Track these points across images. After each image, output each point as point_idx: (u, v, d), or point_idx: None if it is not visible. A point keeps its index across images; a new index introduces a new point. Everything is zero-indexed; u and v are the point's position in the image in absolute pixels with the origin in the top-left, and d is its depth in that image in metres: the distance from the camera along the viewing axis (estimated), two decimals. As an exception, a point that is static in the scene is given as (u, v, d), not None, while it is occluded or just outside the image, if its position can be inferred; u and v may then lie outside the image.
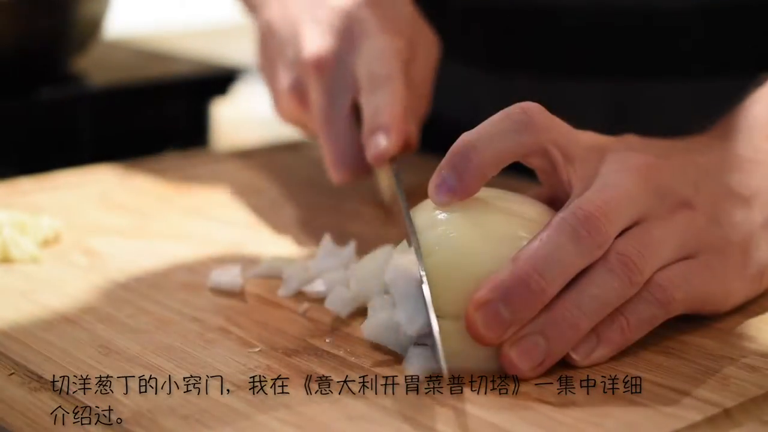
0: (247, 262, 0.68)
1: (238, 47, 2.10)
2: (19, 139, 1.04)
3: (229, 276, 0.64)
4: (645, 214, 0.56)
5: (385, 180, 0.71)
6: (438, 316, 0.52)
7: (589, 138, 0.59)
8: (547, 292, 0.52)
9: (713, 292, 0.57)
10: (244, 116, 2.17)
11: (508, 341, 0.53)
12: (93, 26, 1.10)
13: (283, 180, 0.87)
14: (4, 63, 1.03)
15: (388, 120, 0.69)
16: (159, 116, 1.15)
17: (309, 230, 0.75)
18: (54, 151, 1.06)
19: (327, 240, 0.66)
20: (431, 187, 0.55)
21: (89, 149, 1.07)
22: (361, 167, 0.73)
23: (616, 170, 0.56)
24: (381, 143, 0.69)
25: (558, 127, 0.57)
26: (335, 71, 0.73)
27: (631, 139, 0.60)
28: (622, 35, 0.85)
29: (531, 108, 0.56)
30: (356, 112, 0.74)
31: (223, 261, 0.69)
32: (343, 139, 0.73)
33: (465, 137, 0.55)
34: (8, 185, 0.85)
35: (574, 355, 0.54)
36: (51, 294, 0.64)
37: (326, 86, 0.73)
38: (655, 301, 0.55)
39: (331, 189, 0.85)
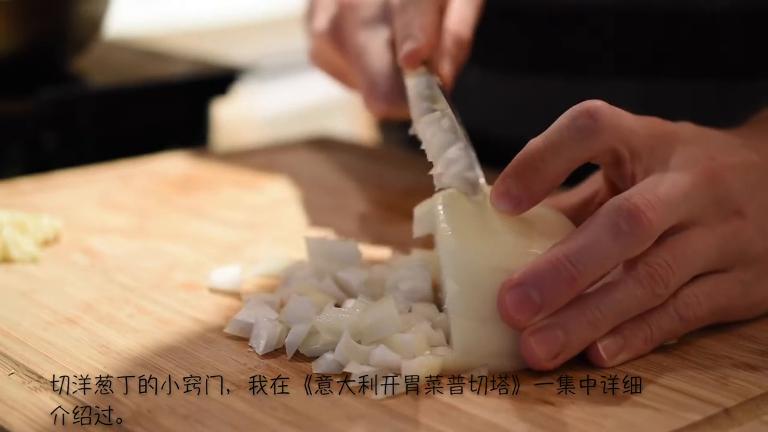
0: (247, 262, 0.68)
1: (238, 47, 2.10)
2: (19, 139, 1.04)
3: (229, 276, 0.64)
4: (695, 218, 0.55)
5: (413, 92, 0.70)
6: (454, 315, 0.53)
7: (652, 125, 0.58)
8: (577, 281, 0.52)
9: (740, 306, 0.57)
10: (244, 116, 2.17)
11: (528, 329, 0.53)
12: (93, 26, 1.10)
13: (283, 180, 0.87)
14: (4, 63, 1.03)
15: (417, 30, 0.69)
16: (159, 116, 1.15)
17: (309, 230, 0.75)
18: (54, 151, 1.06)
19: (325, 241, 0.66)
20: (494, 194, 0.55)
21: (89, 149, 1.07)
22: (396, 100, 0.72)
23: (683, 166, 0.56)
24: (410, 45, 0.69)
25: (624, 124, 0.56)
26: (370, 7, 0.74)
27: (691, 129, 0.59)
28: (654, 36, 0.85)
29: (597, 110, 0.55)
30: (393, 50, 0.74)
31: (223, 261, 0.69)
32: (378, 69, 0.73)
33: (532, 146, 0.55)
34: (8, 185, 0.85)
35: (603, 355, 0.54)
36: (51, 294, 0.64)
37: (362, 21, 0.74)
38: (678, 317, 0.55)
39: (332, 189, 0.85)
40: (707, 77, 0.85)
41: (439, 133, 0.57)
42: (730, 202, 0.57)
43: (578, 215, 0.62)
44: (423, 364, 0.52)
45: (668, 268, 0.54)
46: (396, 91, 0.72)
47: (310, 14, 0.81)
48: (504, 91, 0.91)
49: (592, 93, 0.86)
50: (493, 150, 0.77)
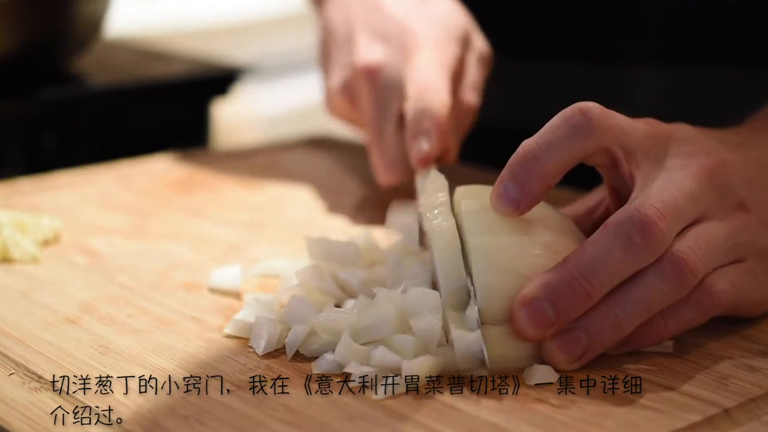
0: (247, 262, 0.68)
1: (238, 47, 2.10)
2: (19, 139, 1.04)
3: (229, 276, 0.64)
4: (703, 214, 0.55)
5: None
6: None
7: (647, 126, 0.58)
8: (592, 295, 0.52)
9: (755, 299, 0.57)
10: (244, 116, 2.17)
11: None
12: (93, 26, 1.10)
13: (284, 180, 0.87)
14: (4, 63, 1.03)
15: (430, 125, 0.71)
16: (159, 116, 1.15)
17: (309, 230, 0.75)
18: (54, 151, 1.06)
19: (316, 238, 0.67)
20: (493, 197, 0.55)
21: (89, 149, 1.07)
22: (407, 171, 0.75)
23: (682, 165, 0.56)
24: (423, 147, 0.71)
25: (618, 124, 0.56)
26: (385, 79, 0.76)
27: (686, 129, 0.59)
28: (675, 23, 0.85)
29: (590, 109, 0.55)
30: (403, 119, 0.75)
31: (223, 261, 0.69)
32: (390, 145, 0.75)
33: (525, 146, 0.55)
34: (8, 185, 0.85)
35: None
36: (51, 294, 0.64)
37: (376, 93, 0.76)
38: (700, 306, 0.55)
39: (332, 189, 0.85)
40: (728, 65, 0.84)
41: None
42: (733, 195, 0.57)
43: (583, 224, 0.62)
44: (423, 364, 0.52)
45: (695, 257, 0.53)
46: (405, 164, 0.74)
47: (325, 64, 0.82)
48: (522, 77, 0.91)
49: (612, 79, 0.85)
50: (508, 138, 0.77)
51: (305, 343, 0.56)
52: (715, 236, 0.55)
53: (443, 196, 0.59)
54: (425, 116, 0.71)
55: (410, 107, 0.73)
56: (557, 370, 0.53)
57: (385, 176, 0.76)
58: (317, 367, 0.54)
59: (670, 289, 0.53)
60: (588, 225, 0.62)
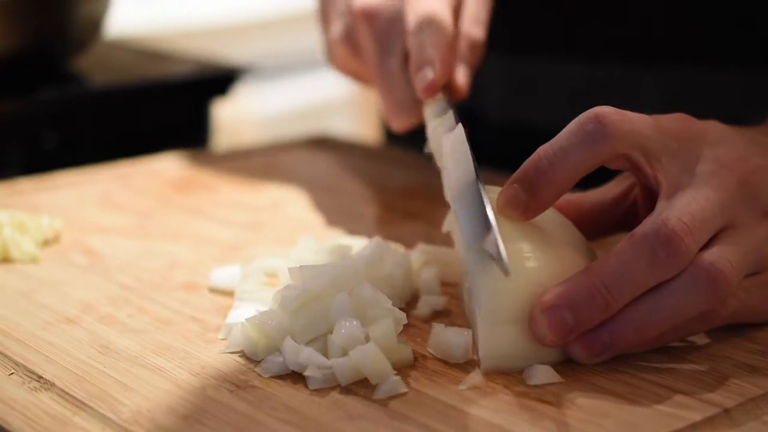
0: (247, 262, 0.68)
1: (238, 47, 2.10)
2: (19, 139, 1.04)
3: (229, 276, 0.64)
4: (731, 222, 0.55)
5: (432, 123, 0.69)
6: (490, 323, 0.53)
7: (676, 126, 0.57)
8: (612, 305, 0.52)
9: (764, 309, 0.57)
10: (244, 116, 2.17)
11: None
12: (93, 26, 1.10)
13: (283, 180, 0.87)
14: (4, 63, 1.03)
15: (432, 54, 0.69)
16: (159, 116, 1.15)
17: (309, 230, 0.75)
18: (54, 151, 1.06)
19: (308, 239, 0.67)
20: (501, 199, 0.55)
21: (89, 149, 1.07)
22: (417, 112, 0.73)
23: (712, 173, 0.55)
24: (428, 75, 0.69)
25: (636, 129, 0.55)
26: (384, 19, 0.74)
27: (719, 129, 0.58)
28: (673, 22, 0.84)
29: (605, 115, 0.54)
30: (408, 63, 0.73)
31: (223, 261, 0.69)
32: (398, 86, 0.73)
33: (540, 152, 0.54)
34: (8, 185, 0.85)
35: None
36: (51, 294, 0.64)
37: (377, 34, 0.74)
38: (704, 316, 0.54)
39: (332, 189, 0.85)
40: (732, 67, 0.84)
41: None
42: (760, 204, 0.56)
43: (611, 212, 0.61)
44: (348, 364, 0.52)
45: (732, 267, 0.53)
46: (416, 104, 0.72)
47: (323, 17, 0.81)
48: (524, 75, 0.91)
49: (615, 78, 0.84)
50: (510, 136, 0.76)
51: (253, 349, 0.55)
52: (745, 248, 0.54)
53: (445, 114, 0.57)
54: (426, 45, 0.70)
55: (411, 42, 0.71)
56: (577, 363, 0.53)
57: (396, 119, 0.73)
58: (266, 371, 0.54)
59: (702, 299, 0.53)
60: (617, 215, 0.62)
